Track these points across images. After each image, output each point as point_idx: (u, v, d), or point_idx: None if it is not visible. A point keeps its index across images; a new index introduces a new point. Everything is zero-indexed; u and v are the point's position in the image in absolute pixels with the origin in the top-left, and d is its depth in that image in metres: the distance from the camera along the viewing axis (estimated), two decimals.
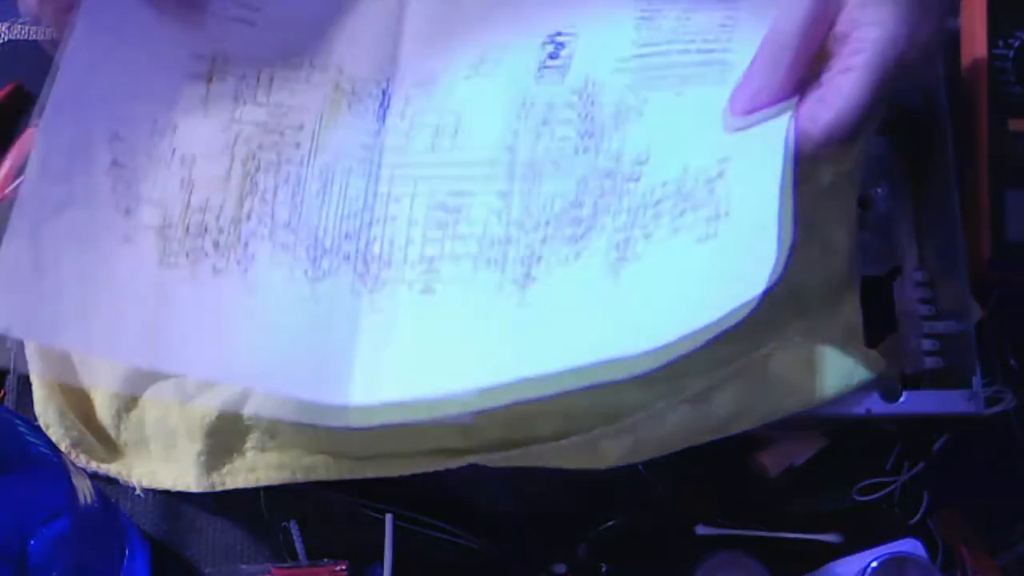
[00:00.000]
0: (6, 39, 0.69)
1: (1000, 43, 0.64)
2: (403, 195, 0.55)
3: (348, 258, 0.54)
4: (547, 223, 0.54)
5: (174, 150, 0.55)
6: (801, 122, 0.48)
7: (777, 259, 0.45)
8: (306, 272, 0.53)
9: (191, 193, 0.54)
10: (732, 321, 0.45)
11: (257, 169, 0.55)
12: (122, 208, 0.53)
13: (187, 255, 0.53)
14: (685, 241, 0.50)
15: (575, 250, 0.53)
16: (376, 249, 0.54)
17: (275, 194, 0.55)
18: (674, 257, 0.50)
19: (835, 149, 0.49)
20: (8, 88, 0.66)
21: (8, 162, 0.63)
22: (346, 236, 0.55)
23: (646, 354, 0.47)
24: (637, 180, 0.53)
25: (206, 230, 0.53)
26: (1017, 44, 0.64)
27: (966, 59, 0.65)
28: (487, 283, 0.53)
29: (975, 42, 0.64)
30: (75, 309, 0.49)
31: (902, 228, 0.60)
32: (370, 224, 0.55)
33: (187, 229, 0.53)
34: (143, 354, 0.50)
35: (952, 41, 0.65)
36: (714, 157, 0.51)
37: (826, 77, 0.48)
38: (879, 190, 0.60)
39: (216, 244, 0.53)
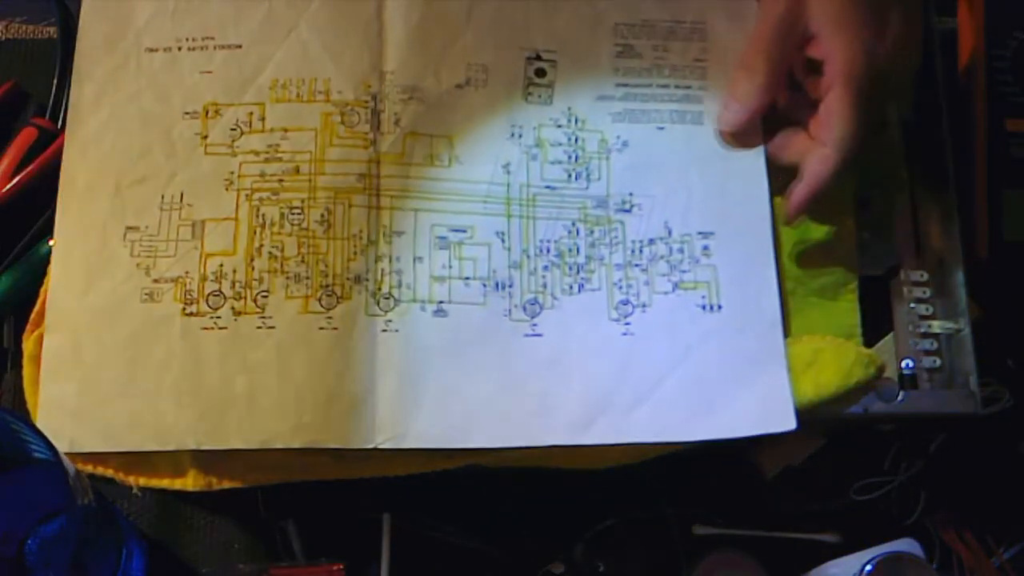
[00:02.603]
0: (2, 38, 0.68)
1: (997, 44, 0.64)
2: (405, 228, 0.56)
3: (359, 279, 0.55)
4: (547, 252, 0.56)
5: (182, 194, 0.56)
6: (818, 176, 0.54)
7: (791, 396, 0.54)
8: (320, 300, 0.55)
9: (203, 237, 0.56)
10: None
11: (262, 201, 0.56)
12: (143, 267, 0.56)
13: (207, 301, 0.54)
14: (687, 303, 0.56)
15: (576, 280, 0.56)
16: (386, 269, 0.56)
17: (282, 224, 0.55)
18: (680, 319, 0.56)
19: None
20: (5, 87, 0.66)
21: (5, 161, 0.63)
22: (355, 260, 0.56)
23: (664, 443, 0.54)
24: (625, 224, 0.57)
25: (222, 275, 0.55)
26: (1014, 45, 0.64)
27: (964, 59, 0.65)
28: (497, 307, 0.55)
29: (973, 43, 0.64)
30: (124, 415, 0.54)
31: (900, 228, 0.60)
32: (376, 255, 0.56)
33: (204, 277, 0.55)
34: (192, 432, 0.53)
35: (950, 41, 0.65)
36: (696, 228, 0.57)
37: (817, 117, 0.55)
38: (877, 190, 0.60)
39: (233, 285, 0.55)
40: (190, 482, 0.55)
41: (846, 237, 0.58)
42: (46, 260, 0.58)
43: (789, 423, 0.53)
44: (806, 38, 0.54)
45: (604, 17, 0.60)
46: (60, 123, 0.64)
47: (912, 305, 0.58)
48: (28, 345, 0.56)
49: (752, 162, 0.58)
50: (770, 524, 0.59)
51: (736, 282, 0.56)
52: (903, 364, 0.57)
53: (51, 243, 0.59)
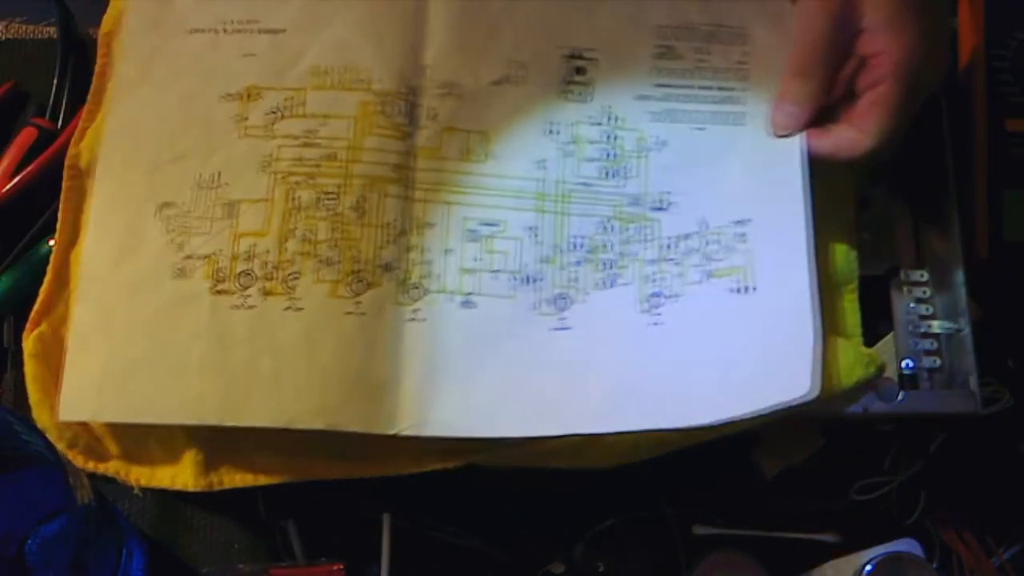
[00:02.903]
0: (2, 38, 0.68)
1: (997, 44, 0.64)
2: (437, 220, 0.57)
3: (389, 268, 0.55)
4: (579, 247, 0.56)
5: (219, 174, 0.56)
6: (844, 149, 0.54)
7: (815, 362, 0.51)
8: (350, 285, 0.55)
9: (237, 216, 0.56)
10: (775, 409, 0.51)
11: (297, 184, 0.56)
12: (176, 244, 0.56)
13: (238, 280, 0.55)
14: (719, 290, 0.54)
15: (608, 275, 0.56)
16: (416, 259, 0.56)
17: (316, 208, 0.56)
18: (711, 306, 0.54)
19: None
20: (5, 87, 0.66)
21: (5, 161, 0.63)
22: (385, 248, 0.56)
23: (687, 428, 0.52)
24: (660, 222, 0.57)
25: (254, 255, 0.55)
26: (1014, 45, 0.64)
27: (964, 60, 0.65)
28: (525, 301, 0.55)
29: (973, 42, 0.64)
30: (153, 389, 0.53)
31: (900, 228, 0.60)
32: (407, 245, 0.56)
33: (235, 256, 0.55)
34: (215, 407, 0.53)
35: (950, 41, 0.65)
36: (732, 217, 0.56)
37: (859, 105, 0.54)
38: (877, 190, 0.60)
39: (264, 265, 0.55)
40: (191, 482, 0.55)
41: (846, 236, 0.58)
42: (46, 260, 0.58)
43: (805, 388, 0.51)
44: (856, 34, 0.54)
45: (645, 18, 0.60)
46: (60, 123, 0.64)
47: (912, 305, 0.58)
48: (28, 343, 0.56)
49: (791, 147, 0.56)
50: (770, 524, 0.59)
51: (770, 262, 0.55)
52: (903, 364, 0.57)
53: (51, 243, 0.59)
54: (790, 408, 0.51)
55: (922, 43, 0.53)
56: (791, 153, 0.56)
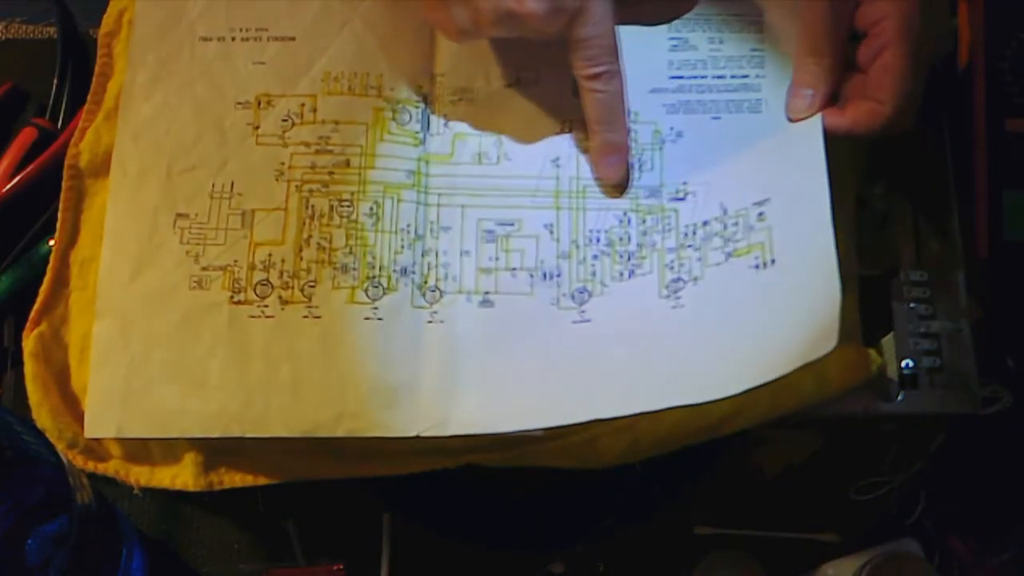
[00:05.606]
0: (2, 38, 0.68)
1: (998, 43, 0.64)
2: (452, 224, 0.57)
3: (406, 272, 0.55)
4: (597, 241, 0.56)
5: (232, 183, 0.56)
6: (862, 123, 0.53)
7: (839, 316, 0.49)
8: (366, 291, 0.55)
9: (252, 226, 0.56)
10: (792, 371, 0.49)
11: (311, 192, 0.56)
12: (193, 255, 0.56)
13: (255, 290, 0.55)
14: (739, 267, 0.54)
15: (627, 267, 0.56)
16: (432, 263, 0.56)
17: (331, 216, 0.56)
18: (732, 284, 0.53)
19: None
20: (5, 87, 0.66)
21: (5, 161, 0.63)
22: (402, 253, 0.56)
23: (710, 401, 0.50)
24: (678, 211, 0.56)
25: (271, 265, 0.55)
26: (1014, 45, 0.64)
27: (964, 59, 0.65)
28: (544, 297, 0.55)
29: (973, 42, 0.64)
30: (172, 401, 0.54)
31: (900, 227, 0.60)
32: (423, 249, 0.56)
33: (252, 266, 0.55)
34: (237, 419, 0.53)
35: (950, 41, 0.65)
36: (751, 199, 0.55)
37: (870, 75, 0.53)
38: (877, 190, 0.60)
39: (281, 275, 0.55)
40: (191, 482, 0.55)
41: (846, 237, 0.58)
42: (46, 260, 0.58)
43: (832, 342, 0.49)
44: (854, 7, 0.54)
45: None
46: (60, 123, 0.64)
47: (912, 305, 0.58)
48: (28, 343, 0.56)
49: (810, 128, 0.55)
50: (770, 524, 0.59)
51: (791, 232, 0.54)
52: (903, 364, 0.57)
53: (51, 243, 0.59)
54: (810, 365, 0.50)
55: (921, 5, 0.52)
56: (810, 133, 0.55)
